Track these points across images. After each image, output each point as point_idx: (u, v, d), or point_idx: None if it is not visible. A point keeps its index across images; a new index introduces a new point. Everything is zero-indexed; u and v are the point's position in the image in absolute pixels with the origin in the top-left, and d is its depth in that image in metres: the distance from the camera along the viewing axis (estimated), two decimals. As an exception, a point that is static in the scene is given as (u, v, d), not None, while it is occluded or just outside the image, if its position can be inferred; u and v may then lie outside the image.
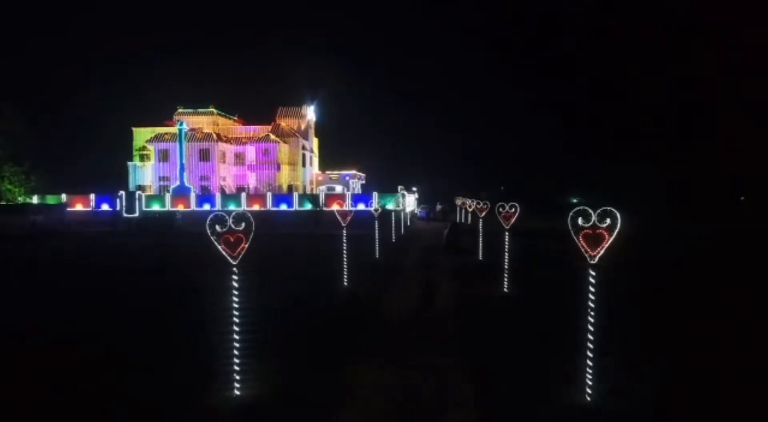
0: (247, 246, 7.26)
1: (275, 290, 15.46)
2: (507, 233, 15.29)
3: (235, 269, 7.29)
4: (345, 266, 15.80)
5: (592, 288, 7.00)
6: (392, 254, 24.80)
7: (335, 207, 14.84)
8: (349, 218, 15.70)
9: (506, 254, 15.27)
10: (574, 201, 78.62)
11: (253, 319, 10.85)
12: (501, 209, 15.17)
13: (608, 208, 6.88)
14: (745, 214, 57.03)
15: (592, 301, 7.04)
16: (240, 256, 7.26)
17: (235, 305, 7.33)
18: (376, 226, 23.91)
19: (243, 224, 7.28)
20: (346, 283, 15.75)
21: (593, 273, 6.99)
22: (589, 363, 7.03)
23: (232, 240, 7.23)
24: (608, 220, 6.86)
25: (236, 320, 7.33)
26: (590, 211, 6.93)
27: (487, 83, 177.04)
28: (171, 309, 13.18)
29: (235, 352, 7.31)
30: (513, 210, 15.08)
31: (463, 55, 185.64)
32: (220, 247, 7.16)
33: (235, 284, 7.31)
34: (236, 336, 7.31)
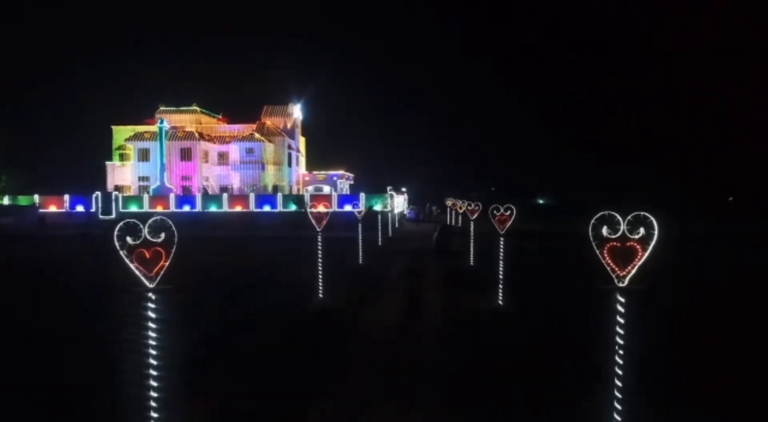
0: (167, 263, 5.51)
1: (235, 304, 13.68)
2: (502, 239, 13.62)
3: (151, 295, 5.53)
4: (320, 275, 14.05)
5: (621, 319, 5.32)
6: (378, 259, 23.09)
7: (312, 208, 13.04)
8: (324, 221, 14.00)
9: (501, 262, 13.61)
10: (541, 201, 77.00)
11: (195, 348, 9.10)
12: (495, 212, 13.52)
13: (642, 214, 5.22)
14: (738, 214, 55.80)
15: (621, 336, 5.36)
16: (159, 278, 5.51)
17: (152, 342, 5.57)
18: (360, 229, 22.20)
19: (162, 235, 5.54)
20: (321, 295, 14.01)
21: (622, 299, 5.31)
22: (618, 417, 5.36)
23: (148, 256, 5.49)
24: (641, 230, 5.20)
25: (153, 361, 5.57)
26: (618, 217, 5.26)
27: (479, 82, 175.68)
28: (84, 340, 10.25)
29: (152, 404, 5.55)
30: (509, 212, 13.43)
31: (453, 54, 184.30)
32: (131, 266, 5.42)
33: (151, 315, 5.56)
34: (153, 383, 5.55)
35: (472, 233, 21.86)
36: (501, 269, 13.57)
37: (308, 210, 14.03)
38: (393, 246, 28.85)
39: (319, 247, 14.06)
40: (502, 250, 13.61)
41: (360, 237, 22.08)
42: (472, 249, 21.64)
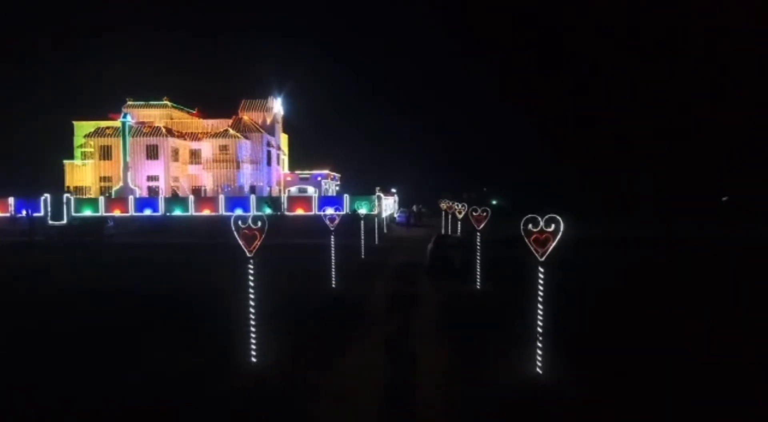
0: None
1: (68, 396, 8.44)
2: (541, 269, 8.53)
3: None
4: (252, 327, 8.89)
5: None
6: (356, 280, 17.96)
7: (241, 224, 7.61)
8: (258, 241, 8.83)
9: (539, 305, 8.53)
10: (494, 202, 71.71)
11: None
12: (530, 227, 8.41)
13: None
14: (727, 216, 50.81)
15: None
16: None
17: None
18: (332, 243, 17.04)
19: None
20: (254, 357, 8.87)
21: None
22: None
23: None
24: None
25: None
26: None
27: (468, 81, 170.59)
28: None
29: None
30: (551, 228, 8.35)
31: (442, 50, 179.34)
32: None
33: None
34: None
35: (478, 246, 16.86)
36: (540, 317, 8.50)
37: (233, 227, 8.86)
38: (378, 260, 23.71)
39: (251, 282, 8.89)
40: (541, 289, 8.53)
41: (333, 253, 16.93)
42: (479, 268, 16.64)
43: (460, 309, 13.75)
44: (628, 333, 11.16)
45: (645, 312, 13.40)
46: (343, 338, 10.70)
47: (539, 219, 8.34)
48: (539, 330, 8.51)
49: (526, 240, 8.45)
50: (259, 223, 8.74)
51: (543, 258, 8.43)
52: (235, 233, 8.75)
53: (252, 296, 8.81)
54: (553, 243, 8.35)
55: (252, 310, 8.81)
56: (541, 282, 8.51)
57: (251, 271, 8.80)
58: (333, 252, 16.92)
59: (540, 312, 8.48)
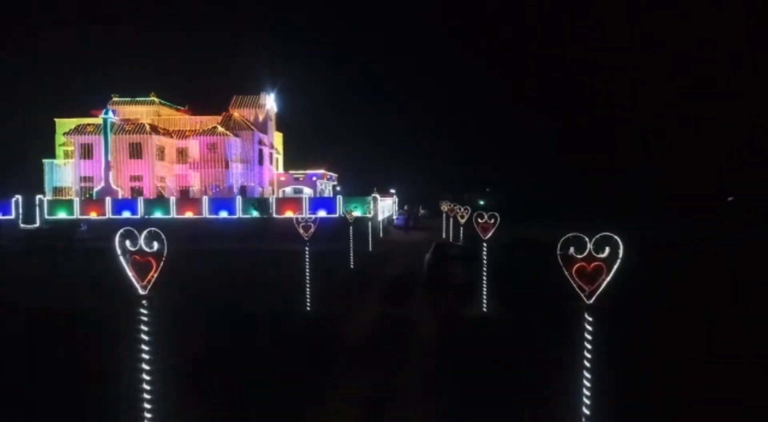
0: None
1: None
2: (589, 317, 5.51)
3: None
4: (146, 398, 5.85)
5: None
6: (338, 299, 14.98)
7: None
8: (153, 274, 5.79)
9: (586, 372, 5.51)
10: (482, 202, 68.41)
11: None
12: (572, 250, 5.38)
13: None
14: (735, 217, 47.48)
15: None
16: None
17: None
18: (307, 256, 13.94)
19: None
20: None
21: None
22: None
23: None
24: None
25: None
26: None
27: (467, 80, 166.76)
28: None
29: None
30: (603, 254, 5.32)
31: (442, 50, 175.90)
32: None
33: None
34: None
35: (485, 260, 13.87)
36: (587, 393, 5.48)
37: (118, 250, 5.76)
38: (369, 271, 20.66)
39: (143, 335, 5.85)
40: (589, 348, 5.50)
41: (308, 269, 13.85)
42: (485, 285, 13.63)
43: (464, 347, 10.72)
44: (695, 392, 8.14)
45: (708, 353, 10.38)
46: (303, 399, 7.69)
47: (587, 240, 5.31)
48: (586, 401, 5.50)
49: (566, 273, 5.42)
50: (156, 246, 5.65)
51: (591, 301, 5.41)
52: (121, 258, 5.69)
53: (146, 357, 5.77)
54: (608, 278, 5.32)
55: (146, 377, 5.78)
56: (588, 337, 5.48)
57: (144, 319, 5.76)
58: (308, 267, 13.86)
59: (587, 385, 5.45)
